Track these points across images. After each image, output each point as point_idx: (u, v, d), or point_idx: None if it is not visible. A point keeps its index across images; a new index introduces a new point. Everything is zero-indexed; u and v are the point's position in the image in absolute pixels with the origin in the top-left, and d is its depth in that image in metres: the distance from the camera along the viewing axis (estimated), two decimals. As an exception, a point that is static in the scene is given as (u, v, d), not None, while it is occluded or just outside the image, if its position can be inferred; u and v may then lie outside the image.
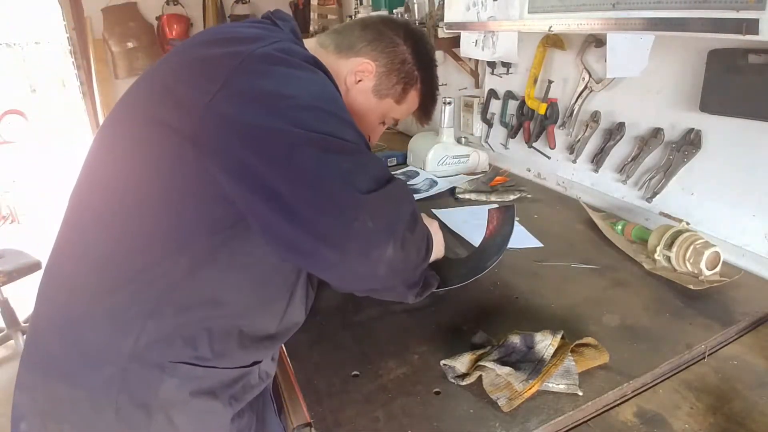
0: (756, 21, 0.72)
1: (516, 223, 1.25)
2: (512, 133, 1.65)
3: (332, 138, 0.55)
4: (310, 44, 0.80)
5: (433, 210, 1.36)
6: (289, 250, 0.56)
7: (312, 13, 2.95)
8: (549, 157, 1.53)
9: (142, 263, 0.60)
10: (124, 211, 0.61)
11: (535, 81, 1.48)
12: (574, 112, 1.38)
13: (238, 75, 0.57)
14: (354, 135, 0.59)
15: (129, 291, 0.60)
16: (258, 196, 0.55)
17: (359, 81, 0.80)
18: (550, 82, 1.44)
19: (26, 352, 0.67)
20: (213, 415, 0.65)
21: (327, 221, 0.53)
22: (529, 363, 0.69)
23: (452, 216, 1.32)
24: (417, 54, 0.83)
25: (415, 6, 1.85)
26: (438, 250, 0.88)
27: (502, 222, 0.98)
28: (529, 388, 0.65)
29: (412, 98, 0.87)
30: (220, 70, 0.58)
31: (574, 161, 1.42)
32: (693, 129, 1.07)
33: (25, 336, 0.71)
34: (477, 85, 1.82)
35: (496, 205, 1.39)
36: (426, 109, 0.92)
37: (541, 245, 1.13)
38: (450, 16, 1.55)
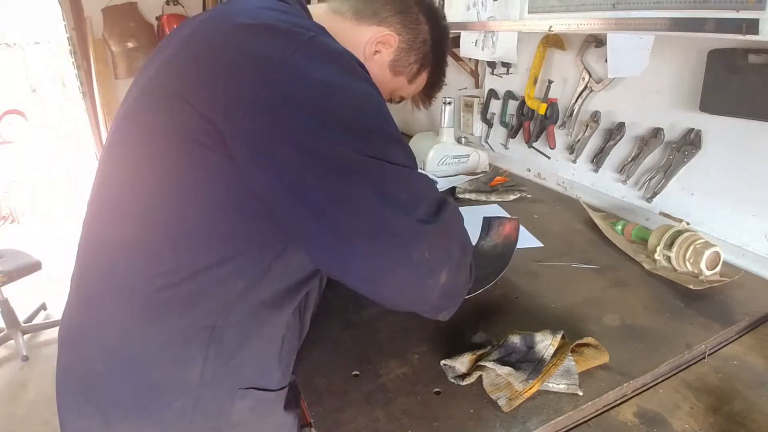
0: (756, 21, 0.72)
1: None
2: (512, 133, 1.65)
3: (388, 164, 0.52)
4: (318, 11, 0.73)
5: None
6: (340, 274, 0.53)
7: None
8: (549, 157, 1.53)
9: (192, 288, 0.57)
10: (168, 242, 0.57)
11: (535, 81, 1.48)
12: (574, 112, 1.38)
13: (271, 86, 0.51)
14: (404, 155, 0.55)
15: (182, 326, 0.58)
16: (311, 222, 0.51)
17: (377, 52, 0.74)
18: (550, 82, 1.44)
19: (75, 395, 0.64)
20: (282, 427, 0.69)
21: (386, 254, 0.50)
22: (529, 363, 0.69)
23: (452, 216, 1.32)
24: (435, 36, 0.79)
25: (415, 6, 1.85)
26: None
27: (504, 233, 0.96)
28: (530, 388, 0.65)
29: (422, 80, 0.83)
30: (247, 79, 0.51)
31: (574, 161, 1.42)
32: (693, 129, 1.07)
33: (58, 370, 0.68)
34: (477, 85, 1.82)
35: (497, 206, 1.39)
36: (430, 94, 0.88)
37: (541, 245, 1.13)
38: (450, 16, 1.54)
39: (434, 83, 0.86)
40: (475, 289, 0.82)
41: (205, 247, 0.57)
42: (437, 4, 0.81)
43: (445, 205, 0.56)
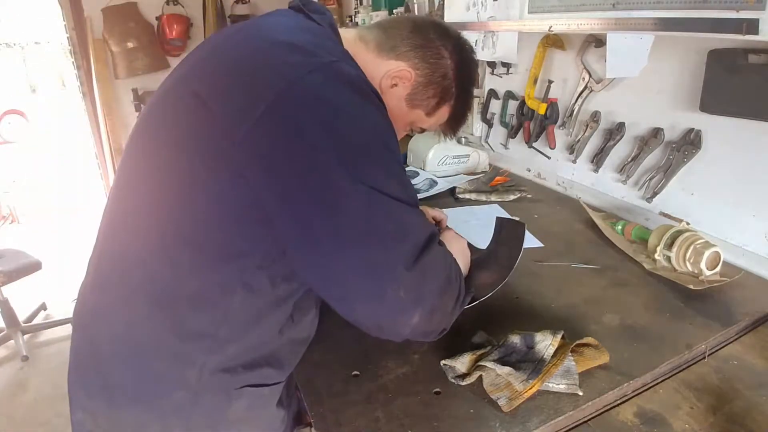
0: (756, 21, 0.72)
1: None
2: (512, 133, 1.66)
3: (380, 194, 0.53)
4: (348, 36, 0.74)
5: (448, 226, 1.35)
6: (318, 289, 0.57)
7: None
8: (549, 157, 1.53)
9: (198, 295, 0.59)
10: (180, 247, 0.59)
11: (535, 81, 1.48)
12: (574, 112, 1.38)
13: (285, 101, 0.54)
14: (401, 189, 0.56)
15: (185, 329, 0.60)
16: (298, 236, 0.54)
17: (394, 85, 0.75)
18: (550, 82, 1.44)
19: (84, 375, 0.67)
20: (277, 422, 0.70)
21: (361, 283, 0.53)
22: (529, 363, 0.69)
23: (452, 216, 1.32)
24: (460, 71, 0.78)
25: (415, 6, 1.85)
26: (465, 270, 0.81)
27: (510, 236, 0.94)
28: (530, 388, 0.65)
29: (443, 113, 0.82)
30: (263, 90, 0.54)
31: (574, 161, 1.42)
32: (693, 129, 1.07)
33: (72, 354, 0.69)
34: (477, 85, 1.82)
35: (497, 206, 1.39)
36: (453, 126, 0.87)
37: (541, 245, 1.13)
38: (450, 16, 1.55)
39: (457, 116, 0.84)
40: (480, 296, 0.81)
41: (212, 254, 0.58)
42: (463, 38, 0.79)
43: (429, 247, 0.56)
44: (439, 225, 1.01)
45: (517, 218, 0.97)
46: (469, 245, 0.87)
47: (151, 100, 0.67)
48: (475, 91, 1.83)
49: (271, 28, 0.64)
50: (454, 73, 0.77)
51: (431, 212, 1.02)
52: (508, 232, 0.96)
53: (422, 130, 0.87)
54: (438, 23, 0.79)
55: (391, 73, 0.73)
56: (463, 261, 0.79)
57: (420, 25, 0.76)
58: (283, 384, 0.70)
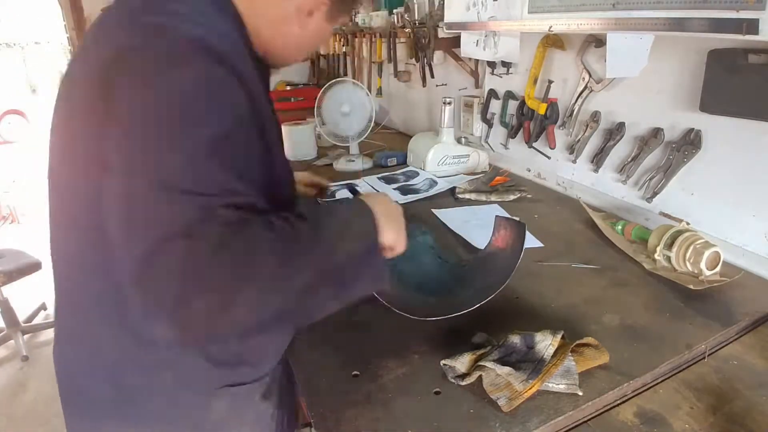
0: (756, 21, 0.72)
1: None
2: (512, 133, 1.65)
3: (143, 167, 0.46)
4: None
5: (433, 210, 1.36)
6: None
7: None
8: (549, 157, 1.53)
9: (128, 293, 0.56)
10: (101, 254, 0.55)
11: (535, 81, 1.48)
12: (574, 112, 1.38)
13: (109, 70, 0.49)
14: (179, 161, 0.47)
15: (143, 332, 0.58)
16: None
17: (310, 14, 0.64)
18: (550, 82, 1.44)
19: (65, 397, 0.67)
20: (263, 418, 0.70)
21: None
22: (529, 363, 0.69)
23: (452, 216, 1.32)
24: None
25: (415, 6, 1.85)
26: (396, 227, 0.61)
27: (510, 236, 0.94)
28: (530, 388, 0.65)
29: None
30: (102, 52, 0.51)
31: (574, 161, 1.42)
32: (693, 129, 1.07)
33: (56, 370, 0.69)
34: (477, 85, 1.82)
35: (497, 206, 1.39)
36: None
37: (541, 245, 1.13)
38: (450, 16, 1.55)
39: None
40: (480, 299, 0.81)
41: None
42: None
43: (171, 247, 0.44)
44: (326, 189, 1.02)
45: (516, 218, 0.97)
46: (468, 245, 0.85)
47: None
48: (476, 92, 1.84)
49: None
50: None
51: (313, 178, 1.01)
52: (507, 232, 0.96)
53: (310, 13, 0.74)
54: None
55: (303, 7, 0.63)
56: (389, 218, 0.60)
57: None
58: (264, 380, 0.69)
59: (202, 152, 0.47)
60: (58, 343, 0.67)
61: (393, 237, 0.59)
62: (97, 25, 0.57)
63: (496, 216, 1.00)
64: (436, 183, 1.56)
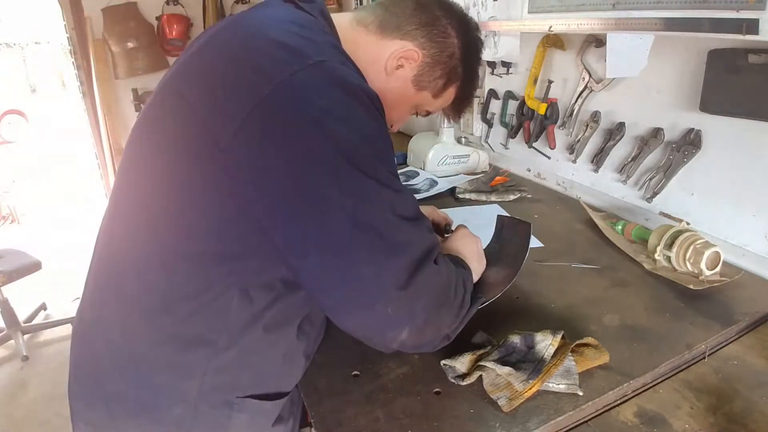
0: (756, 21, 0.72)
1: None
2: (512, 133, 1.66)
3: (369, 207, 0.52)
4: (344, 20, 0.71)
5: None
6: (312, 297, 0.56)
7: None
8: (549, 157, 1.53)
9: (196, 302, 0.58)
10: (175, 257, 0.58)
11: (535, 81, 1.48)
12: (574, 112, 1.38)
13: (269, 105, 0.51)
14: (395, 197, 0.54)
15: (189, 331, 0.59)
16: (290, 250, 0.53)
17: (399, 66, 0.70)
18: (550, 82, 1.44)
19: (84, 386, 0.66)
20: None
21: (351, 296, 0.52)
22: (529, 363, 0.69)
23: (452, 216, 1.31)
24: (466, 49, 0.74)
25: (415, 6, 1.85)
26: (479, 269, 0.81)
27: (515, 234, 0.93)
28: (530, 388, 0.65)
29: (449, 94, 0.78)
30: (248, 92, 0.52)
31: (574, 161, 1.42)
32: (693, 129, 1.07)
33: (72, 365, 0.69)
34: (477, 85, 1.82)
35: (497, 206, 1.39)
36: (459, 107, 0.83)
37: (541, 245, 1.13)
38: (450, 16, 1.55)
39: (463, 98, 0.81)
40: (486, 298, 0.80)
41: (208, 262, 0.57)
42: (469, 15, 0.77)
43: (424, 264, 0.54)
44: (445, 227, 1.00)
45: (518, 218, 0.97)
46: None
47: (148, 101, 0.66)
48: (476, 92, 1.84)
49: (258, 23, 0.61)
50: (460, 53, 0.73)
51: (436, 215, 1.00)
52: (509, 231, 0.96)
53: (428, 113, 0.83)
54: (443, 1, 0.74)
55: (396, 54, 0.69)
56: (477, 264, 0.78)
57: (424, 2, 0.72)
58: (286, 398, 0.69)
59: (396, 181, 0.56)
60: (84, 335, 0.67)
61: (478, 273, 0.79)
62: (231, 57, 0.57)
63: (498, 215, 1.00)
64: (436, 183, 1.56)
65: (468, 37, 0.74)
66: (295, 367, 0.71)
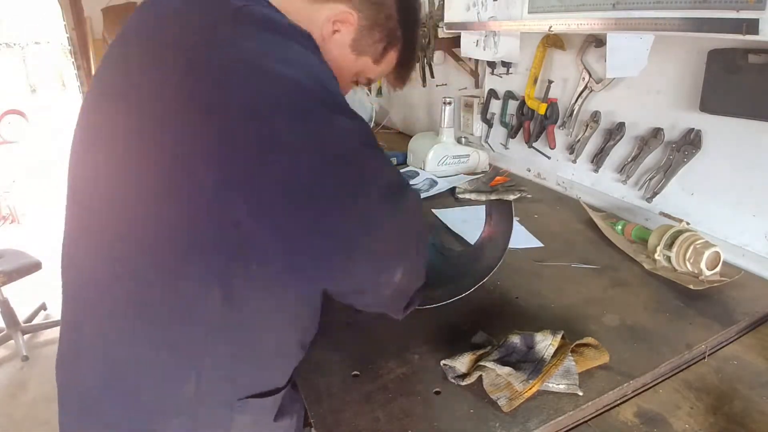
0: (756, 21, 0.72)
1: (516, 222, 1.25)
2: (512, 133, 1.65)
3: (333, 141, 0.48)
4: None
5: (433, 210, 1.36)
6: (293, 259, 0.51)
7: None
8: (549, 157, 1.53)
9: (180, 300, 0.55)
10: (152, 260, 0.54)
11: (535, 81, 1.48)
12: (574, 112, 1.38)
13: (200, 68, 0.48)
14: (351, 122, 0.51)
15: (174, 335, 0.56)
16: (272, 186, 0.48)
17: (336, 32, 0.68)
18: (550, 82, 1.44)
19: (77, 418, 0.63)
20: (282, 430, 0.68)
21: (335, 227, 0.47)
22: (529, 363, 0.69)
23: (452, 216, 1.32)
24: (403, 11, 0.71)
25: (415, 6, 1.85)
26: None
27: (499, 219, 0.95)
28: (530, 388, 0.65)
29: (390, 59, 0.75)
30: (175, 54, 0.49)
31: (574, 161, 1.42)
32: (693, 129, 1.07)
33: (60, 385, 0.67)
34: (477, 85, 1.82)
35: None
36: (401, 74, 0.80)
37: (541, 245, 1.13)
38: (450, 16, 1.55)
39: (406, 62, 0.78)
40: (476, 281, 0.81)
41: (183, 256, 0.54)
42: None
43: (404, 189, 0.53)
44: None
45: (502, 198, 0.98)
46: (468, 244, 0.86)
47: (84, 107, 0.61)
48: (476, 92, 1.84)
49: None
50: (398, 15, 0.71)
51: None
52: (496, 215, 0.96)
53: (369, 81, 0.79)
54: None
55: (331, 17, 0.66)
56: None
57: None
58: (284, 392, 0.68)
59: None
60: (66, 354, 0.64)
61: None
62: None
63: (487, 203, 1.00)
64: (436, 183, 1.56)
65: None
66: (289, 359, 0.69)
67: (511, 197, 1.42)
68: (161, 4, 0.58)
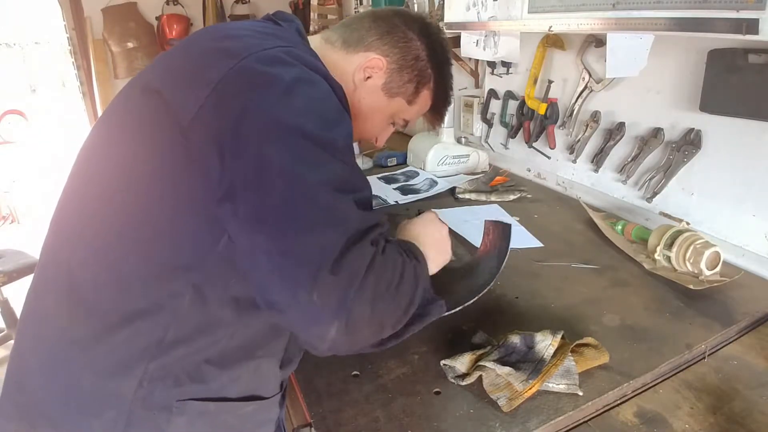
0: (756, 21, 0.72)
1: (516, 222, 1.25)
2: (512, 133, 1.65)
3: (313, 174, 0.49)
4: (315, 41, 0.74)
5: (433, 210, 1.36)
6: (245, 274, 0.52)
7: (312, 13, 2.95)
8: (549, 157, 1.53)
9: (141, 298, 0.55)
10: (122, 241, 0.56)
11: (535, 81, 1.48)
12: (574, 112, 1.38)
13: (228, 81, 0.52)
14: (342, 171, 0.52)
15: (127, 332, 0.55)
16: (235, 224, 0.51)
17: (368, 78, 0.73)
18: (550, 82, 1.44)
19: (6, 395, 0.61)
20: None
21: (276, 279, 0.47)
22: (529, 363, 0.69)
23: (452, 216, 1.32)
24: (431, 50, 0.75)
25: (415, 6, 1.85)
26: (441, 262, 0.72)
27: (498, 238, 0.91)
28: (530, 388, 0.65)
29: (424, 98, 0.79)
30: (209, 73, 0.53)
31: (574, 161, 1.42)
32: (693, 129, 1.07)
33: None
34: (477, 85, 1.82)
35: (497, 206, 1.39)
36: (438, 111, 0.84)
37: (541, 245, 1.13)
38: (450, 16, 1.55)
39: (440, 99, 0.81)
40: (466, 299, 0.76)
41: (157, 256, 0.55)
42: (429, 18, 0.79)
43: (359, 244, 0.48)
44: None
45: (503, 220, 0.95)
46: (468, 244, 0.83)
47: (111, 102, 0.65)
48: (476, 91, 1.84)
49: (229, 26, 0.65)
50: (426, 54, 0.75)
51: None
52: (494, 235, 0.94)
53: (406, 123, 0.82)
54: (398, 9, 0.78)
55: (362, 66, 0.72)
56: (437, 254, 0.70)
57: (380, 15, 0.75)
58: (236, 403, 0.62)
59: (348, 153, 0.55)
60: (19, 349, 0.62)
61: (439, 265, 0.70)
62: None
63: (486, 220, 0.98)
64: (436, 183, 1.56)
65: (431, 38, 0.76)
66: (240, 360, 0.63)
67: (511, 197, 1.43)
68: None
